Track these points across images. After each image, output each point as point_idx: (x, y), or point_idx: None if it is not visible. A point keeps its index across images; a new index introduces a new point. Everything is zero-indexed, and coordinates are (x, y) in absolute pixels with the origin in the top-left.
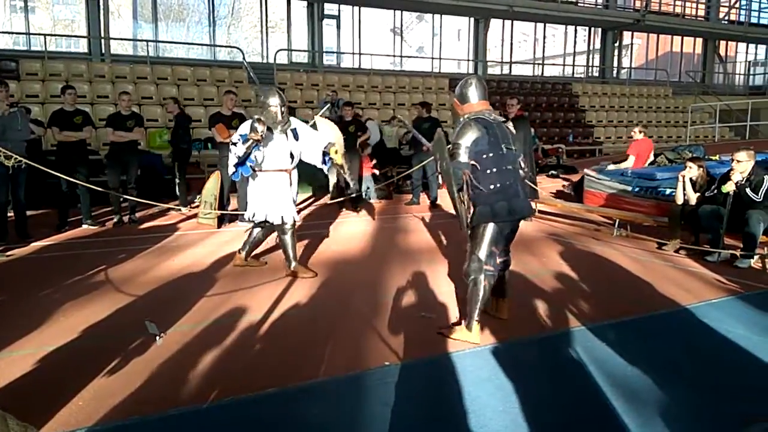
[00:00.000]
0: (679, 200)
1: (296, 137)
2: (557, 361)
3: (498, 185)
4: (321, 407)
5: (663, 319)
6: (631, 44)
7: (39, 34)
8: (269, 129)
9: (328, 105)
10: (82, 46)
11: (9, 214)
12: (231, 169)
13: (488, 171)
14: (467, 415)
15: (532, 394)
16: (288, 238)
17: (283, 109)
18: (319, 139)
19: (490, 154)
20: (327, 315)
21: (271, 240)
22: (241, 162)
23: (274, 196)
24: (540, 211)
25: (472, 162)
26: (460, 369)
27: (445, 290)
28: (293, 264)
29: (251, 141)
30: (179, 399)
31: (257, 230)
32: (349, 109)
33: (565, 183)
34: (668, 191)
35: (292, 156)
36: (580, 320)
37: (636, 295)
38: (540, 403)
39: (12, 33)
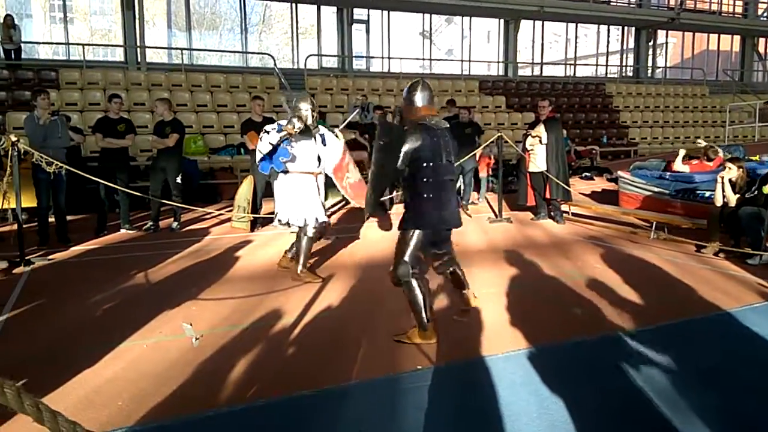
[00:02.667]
0: (719, 202)
1: (324, 143)
2: (594, 366)
3: (432, 195)
4: (354, 410)
5: (702, 324)
6: (666, 43)
7: (77, 44)
8: (300, 132)
9: (358, 110)
10: (118, 55)
11: (50, 219)
12: (258, 157)
13: (425, 179)
14: (501, 420)
15: (568, 399)
16: (305, 242)
17: (314, 113)
18: (336, 151)
19: (430, 164)
20: (359, 317)
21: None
22: (272, 153)
23: (299, 199)
24: (574, 214)
25: (408, 168)
26: (494, 373)
27: (479, 293)
28: (300, 269)
29: (285, 133)
30: (215, 400)
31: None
32: (379, 113)
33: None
34: (707, 193)
35: (319, 160)
36: (616, 324)
37: (674, 298)
38: (575, 409)
39: (51, 43)
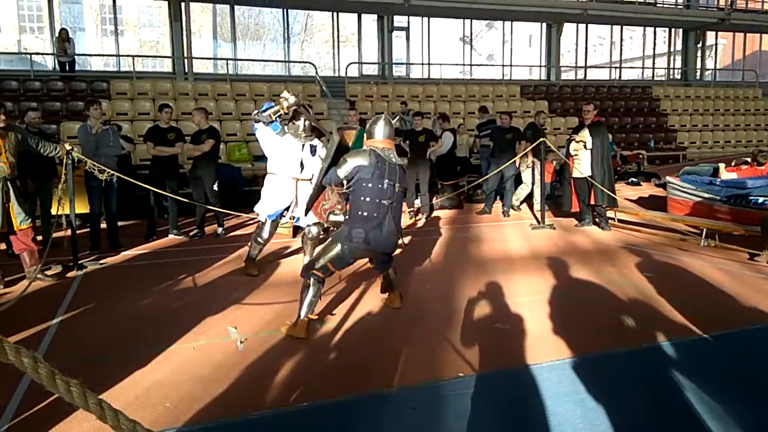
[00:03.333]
0: None
1: (312, 153)
2: (641, 376)
3: (365, 213)
4: (395, 416)
5: (754, 335)
6: (716, 44)
7: (127, 56)
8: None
9: (399, 116)
10: (167, 66)
11: (102, 225)
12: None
13: (362, 198)
14: (546, 430)
15: (614, 410)
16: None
17: (307, 124)
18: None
19: (370, 185)
20: (400, 324)
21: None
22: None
23: (278, 196)
24: (620, 220)
25: (349, 183)
26: (538, 382)
27: (520, 301)
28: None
29: (277, 107)
30: (259, 403)
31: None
32: (419, 120)
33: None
34: (761, 199)
35: (302, 166)
36: (664, 334)
37: (726, 308)
38: (621, 421)
39: (103, 55)
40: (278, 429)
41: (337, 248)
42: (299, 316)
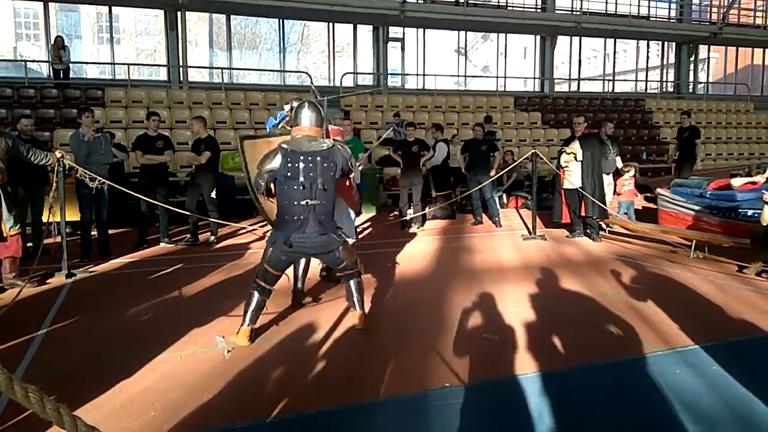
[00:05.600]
0: (766, 221)
1: None
2: (627, 387)
3: (284, 216)
4: (381, 425)
5: (741, 346)
6: (708, 58)
7: (122, 64)
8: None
9: (392, 127)
10: (162, 74)
11: (92, 233)
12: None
13: (282, 200)
14: None
15: (600, 420)
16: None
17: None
18: None
19: (284, 187)
20: (389, 334)
21: None
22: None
23: None
24: (611, 232)
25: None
26: (524, 392)
27: (510, 311)
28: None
29: (287, 116)
30: (245, 413)
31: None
32: (411, 130)
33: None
34: (750, 212)
35: None
36: (652, 345)
37: (713, 320)
38: (606, 430)
39: (98, 63)
40: None
41: (269, 252)
42: (242, 323)
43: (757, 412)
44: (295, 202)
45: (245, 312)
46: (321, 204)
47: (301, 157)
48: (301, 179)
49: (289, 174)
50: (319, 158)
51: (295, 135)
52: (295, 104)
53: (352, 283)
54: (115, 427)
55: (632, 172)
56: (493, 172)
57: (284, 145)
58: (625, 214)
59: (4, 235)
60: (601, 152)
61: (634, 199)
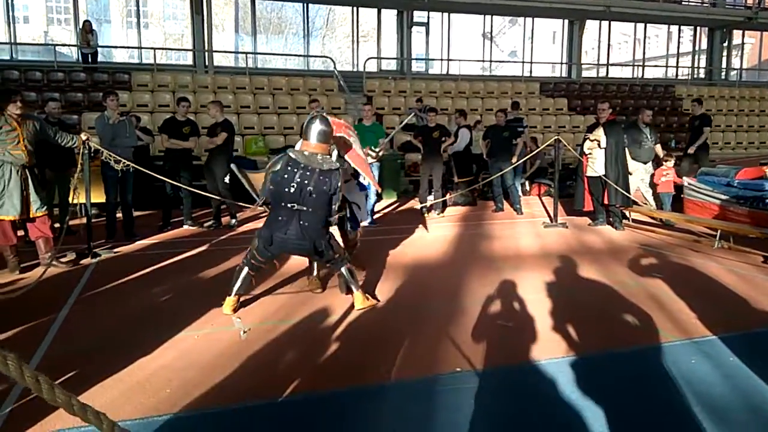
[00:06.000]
0: None
1: None
2: (640, 376)
3: (272, 215)
4: (390, 408)
5: (761, 338)
6: (742, 43)
7: (148, 48)
8: None
9: (414, 112)
10: (189, 59)
11: (118, 215)
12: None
13: (273, 201)
14: (538, 426)
15: (612, 409)
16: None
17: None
18: None
19: (279, 188)
20: (402, 318)
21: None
22: None
23: None
24: (634, 220)
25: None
26: (536, 380)
27: (528, 298)
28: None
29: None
30: (257, 392)
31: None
32: (433, 115)
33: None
34: None
35: None
36: (669, 335)
37: (734, 310)
38: (619, 419)
39: (125, 47)
40: (274, 418)
41: (255, 242)
42: (232, 291)
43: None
44: (283, 203)
45: (233, 284)
46: (307, 211)
47: (301, 166)
48: (293, 183)
49: (285, 176)
50: (318, 170)
51: (302, 149)
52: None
53: (343, 270)
54: (131, 403)
55: (672, 162)
56: (515, 159)
57: (291, 153)
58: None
59: (32, 215)
60: (636, 140)
61: (672, 191)
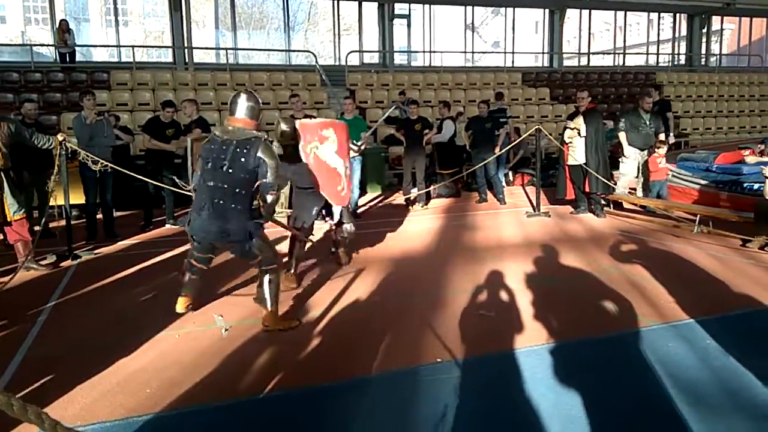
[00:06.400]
0: None
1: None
2: (619, 362)
3: (198, 198)
4: (370, 400)
5: (737, 320)
6: (721, 29)
7: (126, 46)
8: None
9: (396, 105)
10: (169, 56)
11: (98, 216)
12: None
13: (198, 183)
14: (515, 414)
15: (589, 394)
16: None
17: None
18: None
19: (204, 167)
20: (385, 311)
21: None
22: None
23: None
24: (616, 207)
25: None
26: (516, 367)
27: (510, 287)
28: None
29: None
30: (239, 389)
31: None
32: (414, 108)
33: None
34: (756, 186)
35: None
36: (649, 319)
37: (713, 293)
38: (596, 404)
39: (103, 46)
40: (256, 415)
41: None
42: (182, 285)
43: (747, 386)
44: (203, 182)
45: (181, 282)
46: (222, 188)
47: (219, 141)
48: (209, 159)
49: (211, 155)
50: (234, 143)
51: (226, 125)
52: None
53: (266, 278)
54: (111, 405)
55: (664, 150)
56: (497, 150)
57: (215, 131)
58: (658, 194)
59: (8, 219)
60: (635, 125)
61: (664, 178)
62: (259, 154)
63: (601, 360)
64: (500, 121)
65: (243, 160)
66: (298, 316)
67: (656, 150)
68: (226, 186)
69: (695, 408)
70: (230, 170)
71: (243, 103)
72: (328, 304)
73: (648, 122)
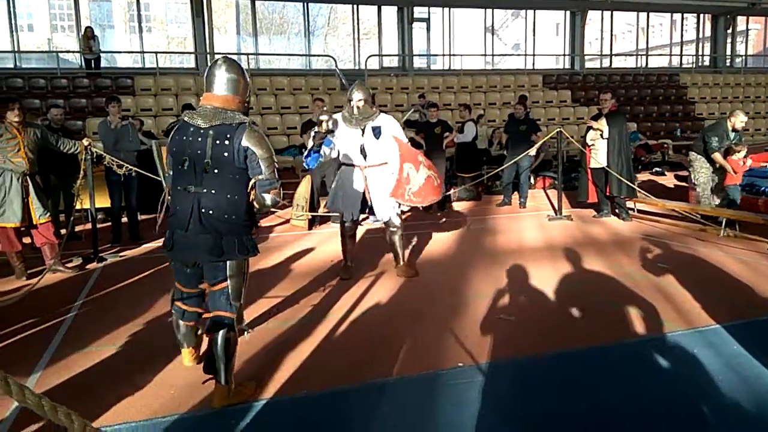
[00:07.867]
0: None
1: (377, 135)
2: (644, 368)
3: (171, 210)
4: (390, 404)
5: (765, 326)
6: (747, 30)
7: (149, 52)
8: (346, 121)
9: (416, 108)
10: (192, 62)
11: (123, 219)
12: (305, 153)
13: (172, 186)
14: (543, 420)
15: (613, 400)
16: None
17: (360, 104)
18: (392, 148)
19: (176, 167)
20: (406, 315)
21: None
22: (310, 152)
23: (346, 190)
24: (639, 211)
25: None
26: (538, 373)
27: (530, 292)
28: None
29: (317, 135)
30: (261, 391)
31: None
32: (434, 111)
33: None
34: None
35: (364, 153)
36: (672, 325)
37: (739, 298)
38: (620, 411)
39: (127, 52)
40: (278, 417)
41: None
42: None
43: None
44: (179, 187)
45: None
46: (208, 193)
47: (191, 130)
48: (185, 157)
49: (175, 149)
50: (211, 132)
51: (202, 105)
52: (325, 117)
53: (220, 336)
54: (136, 405)
55: (743, 153)
56: (533, 152)
57: (185, 116)
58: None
59: (35, 222)
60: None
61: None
62: (244, 142)
63: (625, 366)
64: (536, 125)
65: (226, 154)
66: (322, 319)
67: (736, 153)
68: (213, 192)
69: (722, 415)
70: (216, 170)
71: (222, 75)
72: (350, 308)
73: (731, 137)
